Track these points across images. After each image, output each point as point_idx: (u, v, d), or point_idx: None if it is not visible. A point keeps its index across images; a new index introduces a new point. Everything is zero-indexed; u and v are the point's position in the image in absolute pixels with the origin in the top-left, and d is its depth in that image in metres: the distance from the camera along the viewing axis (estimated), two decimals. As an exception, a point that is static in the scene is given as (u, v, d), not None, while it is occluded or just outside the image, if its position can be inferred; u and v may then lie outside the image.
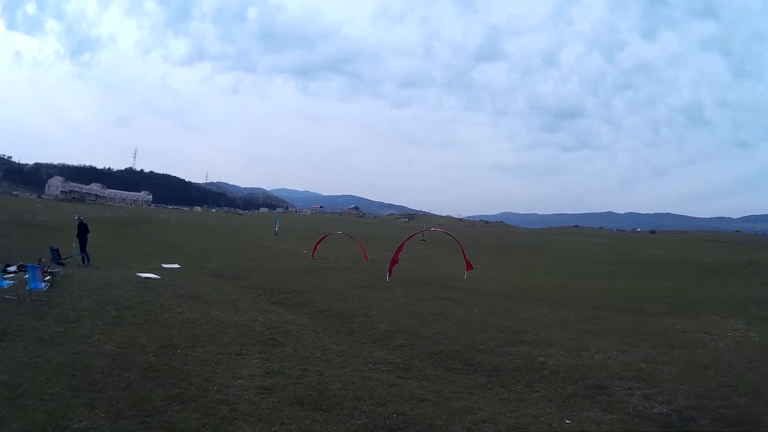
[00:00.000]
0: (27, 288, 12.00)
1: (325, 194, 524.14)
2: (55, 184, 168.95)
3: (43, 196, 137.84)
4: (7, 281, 12.45)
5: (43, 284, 12.45)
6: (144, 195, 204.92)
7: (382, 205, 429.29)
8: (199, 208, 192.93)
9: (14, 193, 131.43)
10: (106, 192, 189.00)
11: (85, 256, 20.24)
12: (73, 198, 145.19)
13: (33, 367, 7.35)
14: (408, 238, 24.00)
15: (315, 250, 29.96)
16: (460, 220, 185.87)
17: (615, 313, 15.11)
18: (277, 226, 53.88)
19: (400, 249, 21.59)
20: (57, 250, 17.89)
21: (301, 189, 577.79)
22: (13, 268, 16.25)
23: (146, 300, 12.84)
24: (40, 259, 15.30)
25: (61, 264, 17.14)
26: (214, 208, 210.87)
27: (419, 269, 26.85)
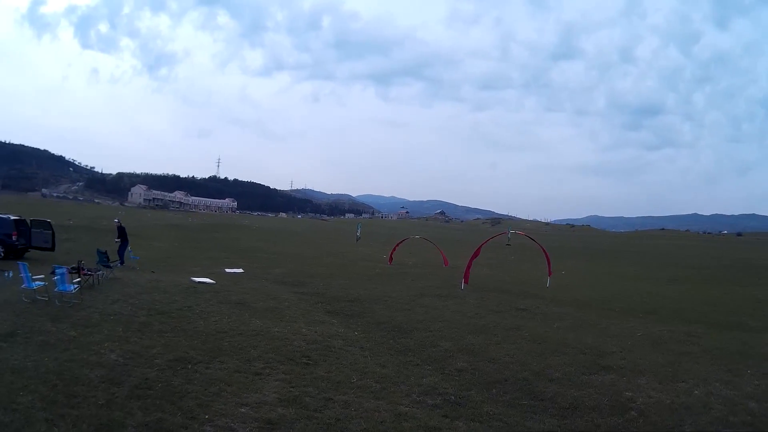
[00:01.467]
0: (54, 290, 12.67)
1: (410, 199, 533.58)
2: (138, 192, 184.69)
3: (126, 204, 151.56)
4: (37, 282, 13.04)
5: (72, 286, 13.01)
6: (229, 202, 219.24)
7: (467, 209, 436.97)
8: (284, 214, 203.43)
9: (96, 201, 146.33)
10: (190, 199, 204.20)
11: (119, 260, 21.39)
12: (156, 205, 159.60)
13: (18, 372, 7.38)
14: (484, 242, 23.64)
15: (392, 255, 31.00)
16: (546, 224, 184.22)
17: (713, 328, 14.49)
18: (359, 231, 55.61)
19: (476, 254, 21.53)
20: (105, 253, 18.71)
21: (387, 195, 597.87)
22: (61, 270, 17.22)
23: (186, 306, 13.09)
24: (80, 261, 15.89)
25: (108, 267, 17.84)
26: (299, 214, 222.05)
27: (500, 275, 27.18)
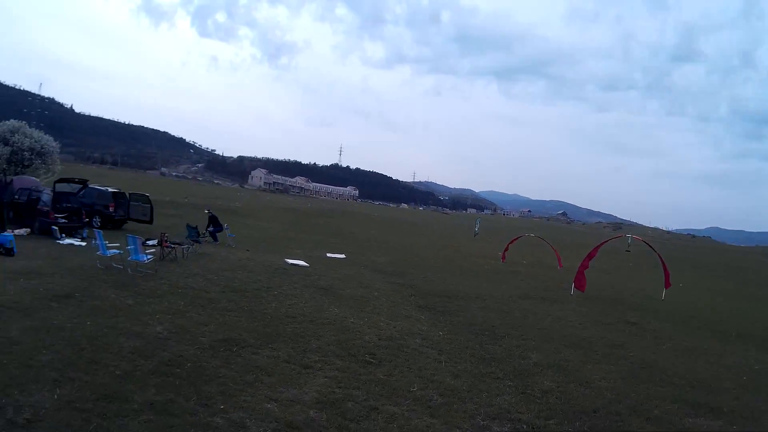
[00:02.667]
0: (128, 259, 13.49)
1: (533, 198, 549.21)
2: (258, 176, 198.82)
3: (246, 187, 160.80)
4: (112, 250, 13.93)
5: (146, 257, 13.66)
6: (350, 190, 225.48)
7: (590, 212, 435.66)
8: (406, 205, 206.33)
9: (216, 182, 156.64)
10: (311, 185, 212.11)
11: (212, 237, 23.30)
12: (276, 189, 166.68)
13: (53, 331, 7.78)
14: (600, 245, 22.23)
15: (505, 252, 31.73)
16: (668, 232, 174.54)
17: None
18: (477, 226, 57.59)
19: (590, 256, 20.98)
20: (195, 228, 19.67)
21: (510, 192, 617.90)
22: (152, 242, 18.20)
23: (266, 287, 13.30)
24: (164, 234, 16.60)
25: (197, 242, 18.58)
26: (421, 206, 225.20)
27: (614, 282, 26.93)
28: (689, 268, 43.07)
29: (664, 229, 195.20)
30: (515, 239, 34.30)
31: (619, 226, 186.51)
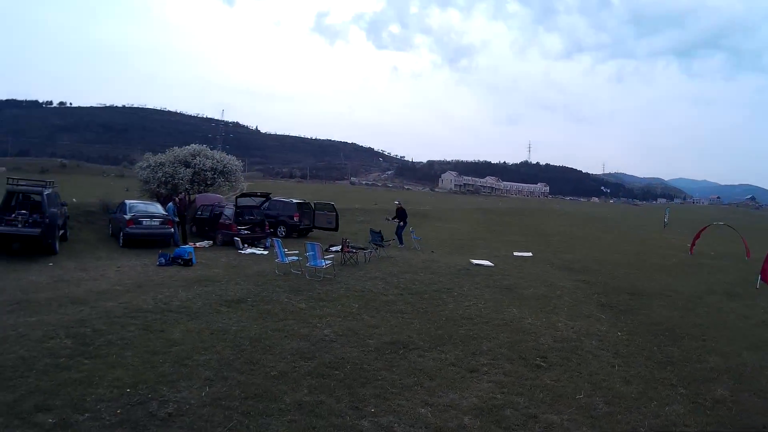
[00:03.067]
0: (307, 265, 13.95)
1: (722, 183, 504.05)
2: (449, 178, 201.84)
3: (437, 190, 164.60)
4: (290, 257, 14.54)
5: (324, 262, 13.99)
6: (540, 187, 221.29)
7: None
8: (596, 199, 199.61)
9: (406, 187, 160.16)
10: (502, 184, 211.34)
11: (397, 239, 22.93)
12: (467, 190, 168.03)
13: (217, 333, 8.34)
14: None
15: (693, 244, 29.54)
16: None
17: None
18: (666, 217, 55.08)
19: None
20: (379, 233, 19.99)
21: (699, 178, 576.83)
22: (336, 248, 18.91)
23: (446, 288, 13.11)
24: (346, 239, 17.15)
25: (380, 246, 18.86)
26: (612, 199, 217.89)
27: None
28: None
29: None
30: (703, 229, 31.76)
31: None
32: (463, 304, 11.30)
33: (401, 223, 23.55)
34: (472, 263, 17.53)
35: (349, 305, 10.65)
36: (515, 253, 22.46)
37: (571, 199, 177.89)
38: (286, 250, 14.47)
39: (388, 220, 25.36)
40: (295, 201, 26.89)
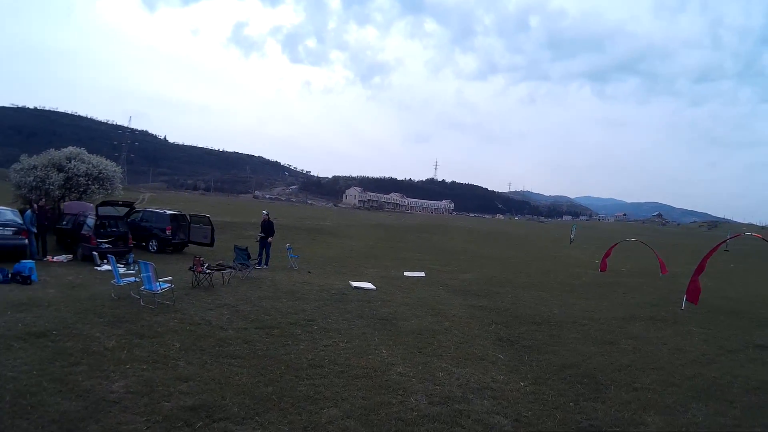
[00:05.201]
0: (141, 289, 11.52)
1: (629, 201, 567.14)
2: (353, 194, 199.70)
3: (340, 205, 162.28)
4: (127, 279, 12.26)
5: (160, 285, 11.48)
6: (445, 204, 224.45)
7: (684, 212, 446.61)
8: (501, 216, 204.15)
9: (309, 202, 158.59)
10: (406, 201, 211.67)
11: (264, 257, 19.78)
12: (371, 207, 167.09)
13: None
14: (712, 250, 18.67)
15: (605, 260, 29.95)
16: (763, 228, 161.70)
17: None
18: (573, 233, 57.06)
19: (701, 266, 17.35)
20: (245, 250, 17.25)
21: (605, 196, 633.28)
22: (146, 267, 16.39)
23: (307, 320, 10.91)
24: (198, 257, 14.46)
25: (246, 265, 16.34)
26: (517, 216, 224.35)
27: (724, 289, 23.63)
28: None
29: (759, 225, 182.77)
30: (614, 246, 31.86)
31: (714, 224, 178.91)
32: (320, 344, 9.03)
33: (268, 239, 20.30)
34: (351, 286, 15.65)
35: (169, 344, 8.25)
36: (406, 273, 20.69)
37: (475, 215, 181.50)
38: (123, 269, 12.31)
39: (257, 240, 21.63)
40: (168, 212, 23.98)
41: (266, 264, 19.65)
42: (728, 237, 20.84)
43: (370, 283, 16.32)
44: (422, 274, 20.91)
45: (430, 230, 61.67)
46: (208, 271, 13.94)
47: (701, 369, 9.54)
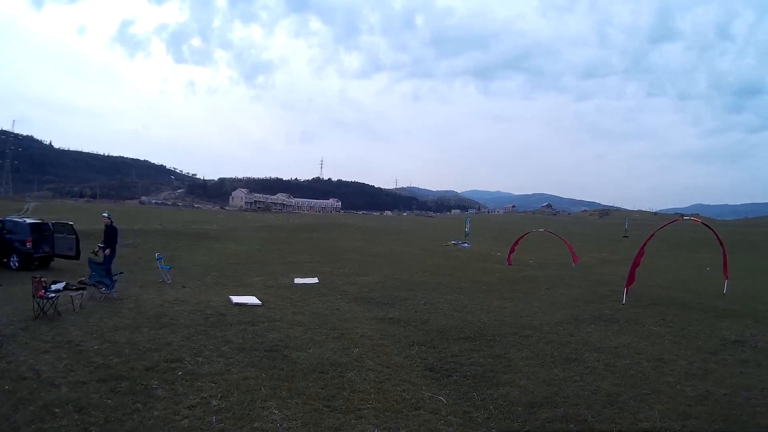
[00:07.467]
0: None
1: (516, 193, 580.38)
2: (239, 196, 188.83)
3: (227, 208, 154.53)
4: None
5: None
6: (333, 202, 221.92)
7: (573, 201, 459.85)
8: (389, 212, 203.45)
9: (196, 206, 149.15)
10: (293, 201, 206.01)
11: (107, 278, 13.59)
12: (258, 208, 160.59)
13: None
14: (650, 237, 18.09)
15: (511, 253, 29.14)
16: (655, 214, 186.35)
17: None
18: (468, 226, 53.95)
19: (640, 254, 16.66)
20: (101, 264, 13.62)
21: (493, 189, 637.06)
22: (58, 286, 12.79)
23: (171, 360, 8.10)
24: (38, 278, 11.02)
25: (103, 284, 12.96)
26: (405, 212, 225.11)
27: (649, 277, 22.22)
28: (702, 248, 40.27)
29: (649, 211, 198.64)
30: (522, 237, 30.65)
31: (606, 212, 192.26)
32: (183, 404, 6.32)
33: (106, 251, 15.02)
34: (232, 302, 13.10)
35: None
36: (297, 281, 17.93)
37: (363, 213, 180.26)
38: None
39: (95, 253, 15.38)
40: (28, 221, 19.85)
41: (111, 287, 13.46)
42: (665, 224, 20.28)
43: (254, 297, 13.75)
44: (315, 280, 18.31)
45: (318, 229, 59.13)
46: (51, 296, 10.71)
47: (702, 385, 7.87)
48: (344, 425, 5.98)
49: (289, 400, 6.57)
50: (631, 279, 15.88)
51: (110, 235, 15.35)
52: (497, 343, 9.89)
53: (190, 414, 6.03)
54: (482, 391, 7.26)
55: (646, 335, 11.07)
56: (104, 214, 16.09)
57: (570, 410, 6.61)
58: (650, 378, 8.05)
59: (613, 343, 10.25)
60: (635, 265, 16.12)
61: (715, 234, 19.11)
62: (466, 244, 43.59)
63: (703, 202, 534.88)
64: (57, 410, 5.94)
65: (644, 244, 16.86)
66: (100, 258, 14.59)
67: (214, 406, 6.30)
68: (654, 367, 8.62)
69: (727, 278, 18.46)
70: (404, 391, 7.16)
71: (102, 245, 15.25)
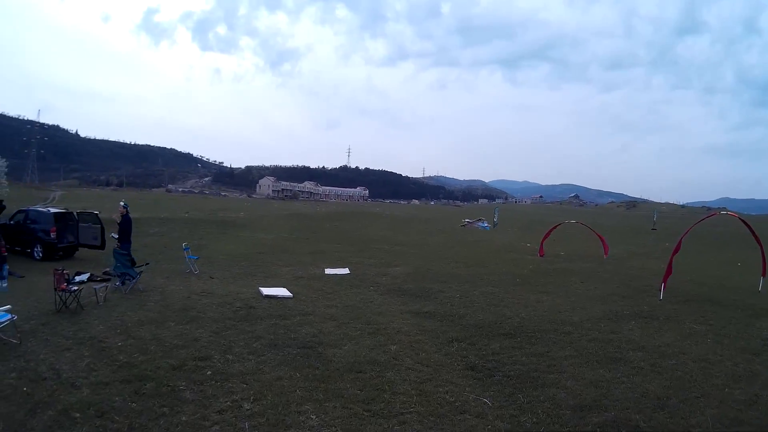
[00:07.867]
0: None
1: (543, 184, 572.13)
2: (266, 184, 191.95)
3: (254, 196, 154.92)
4: None
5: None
6: (360, 191, 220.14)
7: (600, 193, 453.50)
8: (417, 201, 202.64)
9: (223, 194, 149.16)
10: (321, 189, 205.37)
11: (122, 273, 12.66)
12: (285, 196, 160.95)
13: None
14: (687, 231, 17.44)
15: (543, 244, 28.14)
16: (682, 206, 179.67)
17: None
18: (496, 216, 54.57)
19: (677, 249, 16.10)
20: (127, 255, 13.04)
21: (520, 180, 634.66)
22: (82, 277, 12.76)
23: (199, 357, 7.60)
24: (60, 270, 10.60)
25: (128, 276, 12.41)
26: (432, 201, 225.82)
27: (682, 273, 20.30)
28: (736, 245, 36.80)
29: (676, 203, 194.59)
30: (553, 228, 29.80)
31: (633, 204, 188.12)
32: (213, 408, 5.83)
33: (118, 245, 14.08)
34: (261, 294, 12.52)
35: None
36: (327, 271, 17.37)
37: (391, 201, 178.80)
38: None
39: (115, 237, 14.69)
40: (52, 211, 19.80)
41: (127, 281, 12.42)
42: (702, 219, 19.46)
43: (284, 289, 13.16)
44: (346, 270, 17.73)
45: (346, 218, 58.62)
46: (74, 288, 10.28)
47: (750, 388, 7.24)
48: (380, 427, 5.48)
49: (326, 404, 6.05)
50: (668, 271, 15.27)
51: (122, 225, 14.47)
52: (538, 341, 9.30)
53: (221, 419, 5.54)
54: (527, 392, 6.70)
55: (687, 334, 10.38)
56: (121, 203, 15.31)
57: (620, 414, 6.08)
58: (698, 380, 7.44)
59: (656, 341, 9.62)
60: (673, 255, 15.56)
61: (751, 230, 18.25)
62: (486, 225, 42.69)
63: (730, 196, 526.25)
64: (77, 415, 5.50)
65: (682, 238, 16.15)
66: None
67: (246, 410, 5.81)
68: (700, 369, 7.99)
69: (765, 275, 17.58)
70: (447, 392, 6.61)
71: (116, 236, 14.62)
